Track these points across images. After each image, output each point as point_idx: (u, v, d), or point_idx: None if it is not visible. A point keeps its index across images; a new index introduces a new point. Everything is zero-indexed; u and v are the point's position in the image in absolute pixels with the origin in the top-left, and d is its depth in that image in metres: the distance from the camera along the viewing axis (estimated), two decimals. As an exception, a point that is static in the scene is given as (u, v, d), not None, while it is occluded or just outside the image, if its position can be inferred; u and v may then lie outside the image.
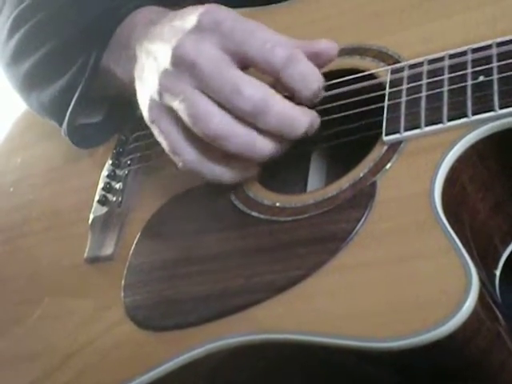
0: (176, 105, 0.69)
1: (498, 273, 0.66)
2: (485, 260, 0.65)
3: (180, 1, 0.83)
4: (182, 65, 0.68)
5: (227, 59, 0.68)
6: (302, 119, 0.69)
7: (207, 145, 0.70)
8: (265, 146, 0.69)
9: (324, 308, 0.63)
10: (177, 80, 0.69)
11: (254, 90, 0.67)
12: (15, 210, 0.92)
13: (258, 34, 0.69)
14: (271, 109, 0.68)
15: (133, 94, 0.75)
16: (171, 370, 0.67)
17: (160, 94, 0.70)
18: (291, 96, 0.70)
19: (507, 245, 0.68)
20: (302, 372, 0.67)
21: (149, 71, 0.72)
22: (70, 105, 0.81)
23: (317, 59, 0.70)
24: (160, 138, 0.72)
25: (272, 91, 0.68)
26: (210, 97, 0.68)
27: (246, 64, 0.69)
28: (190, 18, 0.70)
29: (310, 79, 0.69)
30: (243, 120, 0.68)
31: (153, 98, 0.71)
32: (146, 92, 0.72)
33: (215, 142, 0.69)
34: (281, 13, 0.84)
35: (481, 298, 0.57)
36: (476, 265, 0.59)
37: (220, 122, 0.68)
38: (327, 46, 0.71)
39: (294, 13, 0.83)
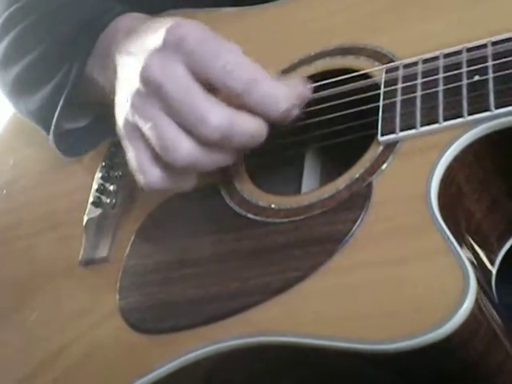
0: (145, 129, 0.68)
1: (494, 272, 0.66)
2: (481, 260, 0.65)
3: (166, 8, 0.83)
4: (149, 87, 0.67)
5: (191, 81, 0.67)
6: (263, 135, 0.69)
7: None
8: (232, 160, 0.70)
9: (321, 310, 0.62)
10: (146, 102, 0.68)
11: (218, 118, 0.66)
12: (8, 212, 0.92)
13: (221, 56, 0.67)
14: (238, 132, 0.67)
15: (114, 104, 0.74)
16: (166, 373, 0.67)
17: (132, 114, 0.69)
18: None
19: (504, 244, 0.67)
20: (299, 374, 0.66)
21: (123, 86, 0.71)
22: (55, 113, 0.81)
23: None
24: (129, 155, 0.71)
25: (236, 112, 0.67)
26: (177, 121, 0.67)
27: (209, 84, 0.68)
28: (158, 33, 0.69)
29: (276, 101, 0.67)
30: (210, 145, 0.67)
31: (127, 116, 0.70)
32: (121, 108, 0.72)
33: (184, 170, 0.69)
34: (274, 12, 0.84)
35: (478, 299, 0.56)
36: (473, 265, 0.59)
37: (187, 153, 0.67)
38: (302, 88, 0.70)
39: (288, 12, 0.83)
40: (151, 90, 0.67)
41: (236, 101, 0.67)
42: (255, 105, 0.67)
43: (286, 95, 0.68)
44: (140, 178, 0.71)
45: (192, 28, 0.68)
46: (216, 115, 0.66)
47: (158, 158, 0.69)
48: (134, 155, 0.70)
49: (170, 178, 0.70)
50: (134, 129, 0.70)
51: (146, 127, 0.68)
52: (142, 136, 0.69)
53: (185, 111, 0.66)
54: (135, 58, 0.70)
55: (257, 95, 0.67)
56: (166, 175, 0.69)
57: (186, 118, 0.67)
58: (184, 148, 0.67)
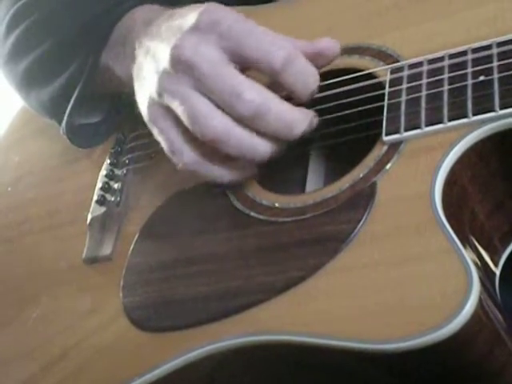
0: (175, 106, 0.69)
1: (498, 273, 0.66)
2: (485, 261, 0.65)
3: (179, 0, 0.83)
4: (181, 66, 0.68)
5: (226, 60, 0.68)
6: (301, 121, 0.69)
7: (206, 146, 0.69)
8: (263, 148, 0.69)
9: (324, 309, 0.62)
10: (176, 81, 0.68)
11: (252, 94, 0.67)
12: (13, 210, 0.92)
13: (256, 34, 0.68)
14: (270, 112, 0.67)
15: (131, 91, 0.75)
16: (169, 372, 0.67)
17: (159, 94, 0.69)
18: (288, 95, 0.70)
19: (507, 245, 0.67)
20: (302, 373, 0.66)
21: (148, 70, 0.71)
22: (69, 103, 0.81)
23: (319, 58, 0.70)
24: (159, 138, 0.72)
25: (270, 94, 0.68)
26: (209, 98, 0.68)
27: (244, 64, 0.69)
28: (189, 17, 0.70)
29: (308, 79, 0.69)
30: (242, 122, 0.68)
31: (152, 98, 0.71)
32: (145, 91, 0.72)
33: (214, 144, 0.68)
34: (280, 11, 0.84)
35: (481, 299, 0.56)
36: (476, 265, 0.59)
37: (219, 124, 0.67)
38: (329, 44, 0.71)
39: (293, 12, 0.83)
40: (182, 69, 0.68)
41: (272, 77, 0.68)
42: (290, 81, 0.68)
43: (316, 75, 0.70)
44: (175, 160, 0.71)
45: (226, 11, 0.69)
46: (250, 91, 0.67)
47: (189, 137, 0.69)
48: (165, 137, 0.71)
49: (203, 158, 0.70)
50: (161, 110, 0.70)
51: (175, 103, 0.68)
52: (171, 116, 0.70)
53: (218, 86, 0.67)
54: (161, 41, 0.70)
55: (292, 72, 0.68)
56: (199, 154, 0.70)
57: (219, 93, 0.67)
58: (216, 121, 0.67)
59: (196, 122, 0.68)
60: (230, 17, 0.69)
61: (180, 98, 0.68)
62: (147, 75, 0.71)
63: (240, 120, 0.68)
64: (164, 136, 0.71)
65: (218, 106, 0.68)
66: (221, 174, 0.72)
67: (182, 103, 0.68)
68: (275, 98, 0.68)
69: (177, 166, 0.72)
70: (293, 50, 0.68)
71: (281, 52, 0.68)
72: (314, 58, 0.70)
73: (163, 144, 0.72)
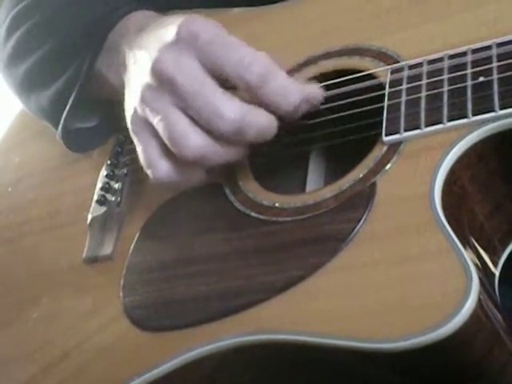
0: (155, 122, 0.69)
1: (497, 273, 0.66)
2: (484, 261, 0.65)
3: (175, 7, 0.83)
4: (161, 80, 0.68)
5: (205, 75, 0.68)
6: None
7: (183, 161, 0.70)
8: (242, 156, 0.70)
9: (324, 308, 0.62)
10: (157, 96, 0.68)
11: (232, 113, 0.67)
12: (13, 210, 0.92)
13: (234, 50, 0.68)
14: (250, 129, 0.67)
15: (123, 98, 0.75)
16: (169, 371, 0.67)
17: (142, 107, 0.70)
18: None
19: (507, 245, 0.67)
20: (302, 372, 0.66)
21: (134, 80, 0.72)
22: (65, 109, 0.81)
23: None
24: (137, 149, 0.72)
25: (251, 108, 0.68)
26: (189, 115, 0.68)
27: (223, 78, 0.68)
28: (171, 28, 0.69)
29: (288, 95, 0.68)
30: (222, 138, 0.68)
31: (136, 110, 0.71)
32: (130, 102, 0.72)
33: (193, 163, 0.69)
34: (279, 13, 0.84)
35: (481, 299, 0.57)
36: (475, 265, 0.59)
37: (196, 144, 0.67)
38: (316, 91, 0.71)
39: (293, 13, 0.83)
40: (163, 83, 0.68)
41: (250, 94, 0.68)
42: (269, 98, 0.68)
43: (298, 89, 0.69)
44: (148, 172, 0.71)
45: (205, 23, 0.69)
46: (230, 109, 0.67)
47: (167, 152, 0.69)
48: (142, 149, 0.71)
49: (179, 172, 0.70)
50: (142, 122, 0.70)
51: (155, 120, 0.68)
52: (151, 130, 0.70)
53: (198, 105, 0.67)
54: (147, 52, 0.70)
55: (271, 88, 0.67)
56: (175, 169, 0.70)
57: (199, 111, 0.67)
58: (194, 141, 0.67)
59: (174, 142, 0.68)
60: (209, 30, 0.68)
61: (160, 114, 0.68)
62: (133, 85, 0.72)
63: (220, 137, 0.68)
64: (141, 148, 0.71)
65: (198, 123, 0.68)
66: (198, 180, 0.72)
67: (161, 120, 0.68)
68: (255, 110, 0.68)
69: (150, 178, 0.72)
70: (269, 67, 0.67)
71: (256, 68, 0.67)
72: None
73: (140, 156, 0.72)
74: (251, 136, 0.68)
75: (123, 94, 0.75)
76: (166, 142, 0.68)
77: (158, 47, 0.69)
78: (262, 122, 0.68)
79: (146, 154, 0.71)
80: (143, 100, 0.69)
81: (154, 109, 0.68)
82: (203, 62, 0.68)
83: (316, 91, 0.71)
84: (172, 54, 0.68)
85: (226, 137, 0.67)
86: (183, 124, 0.68)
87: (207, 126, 0.67)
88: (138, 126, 0.71)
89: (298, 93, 0.69)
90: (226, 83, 0.69)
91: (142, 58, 0.71)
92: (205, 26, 0.69)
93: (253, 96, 0.68)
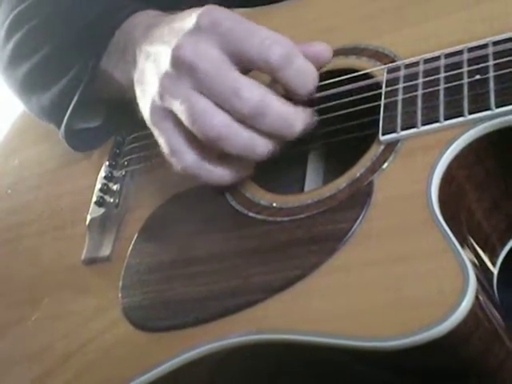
0: (176, 106, 0.69)
1: (495, 272, 0.66)
2: (482, 260, 0.65)
3: (178, 4, 0.83)
4: (181, 66, 0.68)
5: (226, 60, 0.68)
6: (300, 119, 0.69)
7: (206, 148, 0.70)
8: (262, 146, 0.69)
9: (321, 308, 0.62)
10: (177, 82, 0.69)
11: (252, 93, 0.67)
12: (13, 212, 0.92)
13: (256, 33, 0.69)
14: (269, 111, 0.68)
15: (132, 97, 0.75)
16: (168, 371, 0.67)
17: (161, 95, 0.70)
18: (287, 93, 0.70)
19: (505, 244, 0.67)
20: (301, 372, 0.67)
21: (149, 74, 0.72)
22: (68, 108, 0.81)
23: (313, 61, 0.70)
24: (160, 140, 0.72)
25: (270, 93, 0.68)
26: (209, 98, 0.68)
27: (244, 64, 0.69)
28: (189, 19, 0.70)
29: (306, 78, 0.69)
30: (242, 121, 0.68)
31: (154, 101, 0.71)
32: (147, 95, 0.72)
33: (215, 143, 0.69)
34: (277, 13, 0.84)
35: (478, 297, 0.57)
36: (473, 264, 0.59)
37: (219, 123, 0.68)
38: (322, 48, 0.71)
39: (291, 13, 0.83)
40: (182, 70, 0.68)
41: (272, 76, 0.69)
42: (289, 79, 0.69)
43: (315, 73, 0.70)
44: (174, 162, 0.71)
45: (225, 11, 0.70)
46: (249, 89, 0.67)
47: (192, 140, 0.70)
48: (165, 139, 0.71)
49: (204, 163, 0.70)
50: (163, 111, 0.70)
51: (176, 105, 0.69)
52: (173, 118, 0.70)
53: (218, 88, 0.67)
54: (162, 44, 0.70)
55: (293, 68, 0.68)
56: (200, 157, 0.70)
57: (219, 94, 0.67)
58: (216, 119, 0.68)
59: (196, 120, 0.68)
60: (229, 18, 0.69)
61: (180, 98, 0.68)
62: (149, 79, 0.72)
63: (240, 119, 0.68)
64: (164, 138, 0.71)
65: (219, 106, 0.68)
66: (220, 174, 0.72)
67: (182, 103, 0.68)
68: (274, 96, 0.68)
69: (176, 168, 0.72)
70: (291, 48, 0.69)
71: (278, 50, 0.68)
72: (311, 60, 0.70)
73: (163, 146, 0.72)
74: (271, 120, 0.68)
75: (132, 92, 0.75)
76: (187, 122, 0.68)
77: (176, 37, 0.69)
78: (280, 109, 0.68)
79: (170, 142, 0.71)
80: (163, 88, 0.69)
81: (174, 94, 0.69)
82: (225, 49, 0.68)
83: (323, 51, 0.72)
84: (192, 41, 0.68)
85: (246, 117, 0.68)
86: (204, 104, 0.68)
87: (227, 106, 0.68)
88: (159, 115, 0.71)
89: (315, 76, 0.70)
90: (247, 72, 0.70)
91: (157, 50, 0.71)
92: (225, 13, 0.70)
93: (275, 76, 0.69)
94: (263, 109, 0.68)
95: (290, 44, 0.69)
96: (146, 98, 0.72)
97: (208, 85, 0.68)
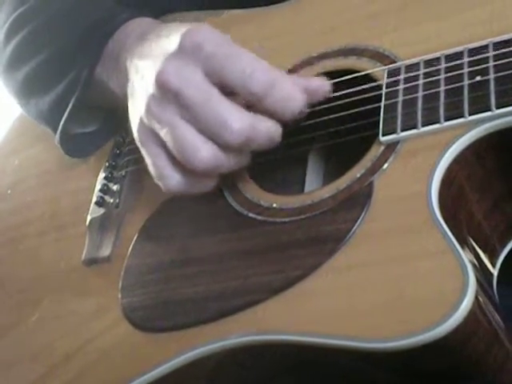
0: (163, 134, 0.68)
1: (495, 273, 0.66)
2: (482, 261, 0.65)
3: (171, 9, 0.83)
4: (166, 92, 0.67)
5: (210, 86, 0.67)
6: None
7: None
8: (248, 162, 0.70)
9: (322, 308, 0.63)
10: (163, 108, 0.68)
11: (240, 122, 0.66)
12: (13, 213, 0.92)
13: (238, 59, 0.67)
14: (258, 135, 0.67)
15: (126, 107, 0.75)
16: (168, 372, 0.67)
17: (147, 117, 0.69)
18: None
19: (505, 245, 0.67)
20: (301, 373, 0.67)
21: (138, 89, 0.71)
22: (64, 114, 0.81)
23: (310, 96, 0.70)
24: (147, 161, 0.71)
25: (256, 116, 0.68)
26: (195, 126, 0.67)
27: (227, 89, 0.68)
28: (174, 38, 0.69)
29: (291, 103, 0.68)
30: (229, 149, 0.68)
31: (141, 119, 0.70)
32: (136, 112, 0.72)
33: (203, 174, 0.69)
34: (277, 14, 0.84)
35: (478, 298, 0.57)
36: (473, 265, 0.59)
37: (206, 155, 0.67)
38: (319, 83, 0.71)
39: (291, 14, 0.83)
40: (167, 95, 0.67)
41: (254, 103, 0.68)
42: (274, 106, 0.68)
43: (299, 97, 0.69)
44: (160, 184, 0.71)
45: (208, 33, 0.68)
46: (238, 120, 0.66)
47: (177, 163, 0.69)
48: (151, 161, 0.71)
49: (191, 182, 0.70)
50: (149, 132, 0.70)
51: (163, 132, 0.68)
52: (159, 140, 0.69)
53: (205, 117, 0.67)
54: (149, 62, 0.70)
55: (276, 97, 0.67)
56: (187, 180, 0.70)
57: (206, 123, 0.67)
58: (205, 153, 0.67)
59: (183, 152, 0.67)
60: (212, 40, 0.68)
61: (167, 125, 0.68)
62: (138, 95, 0.71)
63: (227, 148, 0.67)
64: (150, 161, 0.71)
65: (204, 133, 0.67)
66: (208, 186, 0.71)
67: (168, 131, 0.68)
68: (262, 119, 0.68)
69: (163, 189, 0.71)
70: (273, 75, 0.67)
71: (261, 78, 0.67)
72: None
73: (150, 168, 0.71)
74: (259, 144, 0.68)
75: (126, 102, 0.74)
76: (176, 154, 0.68)
77: (161, 58, 0.68)
78: (268, 130, 0.68)
79: (156, 166, 0.70)
80: (149, 111, 0.69)
81: (161, 120, 0.68)
82: (207, 73, 0.67)
83: (321, 87, 0.71)
84: (175, 65, 0.67)
85: (236, 147, 0.67)
86: (191, 136, 0.67)
87: (215, 137, 0.67)
88: (145, 136, 0.70)
89: (302, 99, 0.69)
90: (230, 93, 0.68)
91: (145, 67, 0.70)
92: (208, 35, 0.68)
93: (257, 105, 0.68)
94: (252, 137, 0.67)
95: (273, 71, 0.68)
96: (135, 114, 0.72)
97: (194, 114, 0.67)
